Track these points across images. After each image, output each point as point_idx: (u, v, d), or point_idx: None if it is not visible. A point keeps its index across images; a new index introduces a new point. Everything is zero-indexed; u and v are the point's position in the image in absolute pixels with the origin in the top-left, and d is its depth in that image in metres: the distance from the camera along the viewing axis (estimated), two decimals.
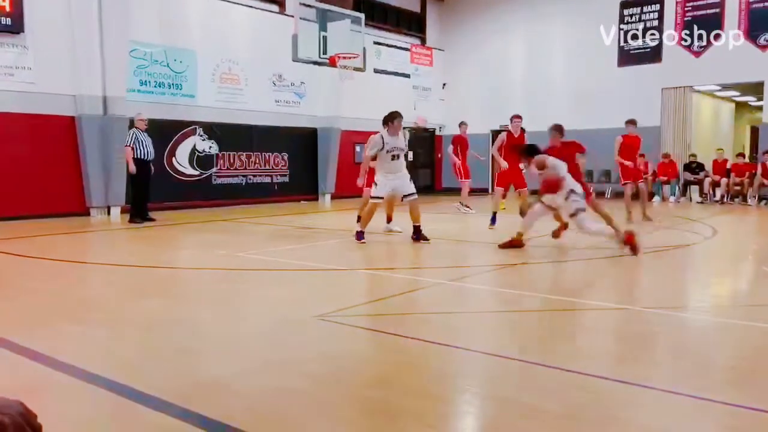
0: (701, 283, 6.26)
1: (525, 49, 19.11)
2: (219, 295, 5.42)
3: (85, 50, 11.31)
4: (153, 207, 12.69)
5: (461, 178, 13.00)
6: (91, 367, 3.35)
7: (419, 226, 8.10)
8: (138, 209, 10.87)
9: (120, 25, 11.52)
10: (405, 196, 8.15)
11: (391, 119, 8.01)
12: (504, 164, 9.85)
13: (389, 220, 9.17)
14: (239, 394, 3.00)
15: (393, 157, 8.01)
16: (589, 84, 17.45)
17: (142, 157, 10.64)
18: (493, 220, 9.74)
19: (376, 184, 8.11)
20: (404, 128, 8.64)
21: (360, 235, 8.16)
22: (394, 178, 8.07)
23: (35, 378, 3.27)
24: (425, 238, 8.06)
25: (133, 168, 10.51)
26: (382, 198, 8.13)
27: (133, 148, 10.54)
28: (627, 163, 10.76)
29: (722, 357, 3.72)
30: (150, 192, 11.07)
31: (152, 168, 11.00)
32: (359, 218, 8.55)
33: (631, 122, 10.97)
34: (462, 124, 13.31)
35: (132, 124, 11.06)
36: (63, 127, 11.32)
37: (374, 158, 8.10)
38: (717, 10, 15.72)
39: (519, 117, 10.24)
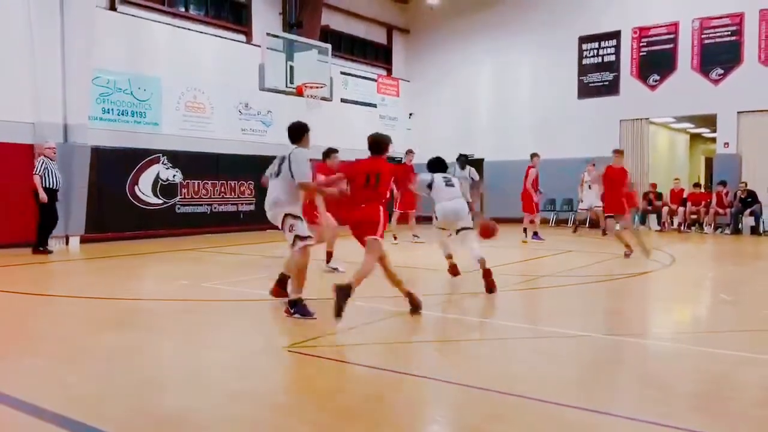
0: (662, 310, 6.38)
1: (489, 80, 19.52)
2: (182, 326, 5.30)
3: (47, 77, 11.09)
4: (114, 237, 12.47)
5: (395, 209, 12.34)
6: (45, 402, 3.22)
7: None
8: (44, 238, 10.50)
9: (83, 51, 11.35)
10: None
11: None
12: None
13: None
14: (204, 428, 2.92)
15: None
16: (551, 115, 17.90)
17: (51, 186, 10.34)
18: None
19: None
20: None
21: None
22: None
23: None
24: None
25: (44, 196, 10.15)
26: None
27: (42, 177, 10.25)
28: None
29: (684, 383, 3.78)
30: (56, 220, 10.68)
31: (58, 197, 10.64)
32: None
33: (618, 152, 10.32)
34: (408, 152, 13.03)
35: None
36: (21, 156, 11.02)
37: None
38: (671, 45, 16.37)
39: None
